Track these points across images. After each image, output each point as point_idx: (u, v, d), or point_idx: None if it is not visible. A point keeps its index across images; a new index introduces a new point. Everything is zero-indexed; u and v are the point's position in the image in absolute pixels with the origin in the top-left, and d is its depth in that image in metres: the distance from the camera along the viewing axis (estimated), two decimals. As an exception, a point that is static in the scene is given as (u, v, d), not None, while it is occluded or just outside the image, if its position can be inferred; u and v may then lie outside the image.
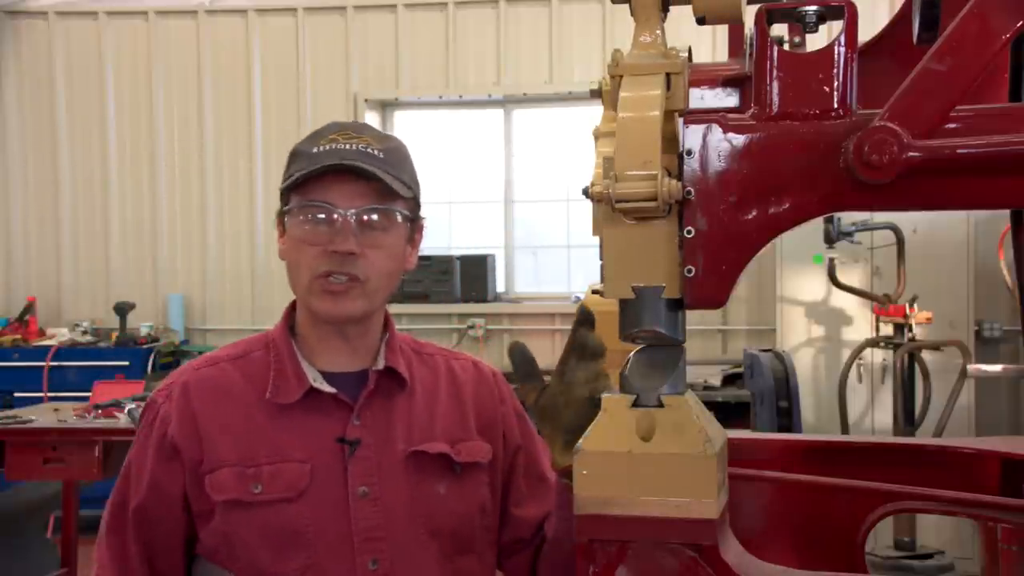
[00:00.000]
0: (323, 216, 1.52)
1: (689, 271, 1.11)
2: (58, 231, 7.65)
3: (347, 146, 1.54)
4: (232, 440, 1.53)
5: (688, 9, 1.18)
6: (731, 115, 1.14)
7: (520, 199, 7.50)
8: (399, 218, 1.56)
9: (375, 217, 1.53)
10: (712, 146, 1.11)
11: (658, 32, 1.17)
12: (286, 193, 1.57)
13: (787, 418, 4.97)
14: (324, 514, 1.51)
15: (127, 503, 1.56)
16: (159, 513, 1.54)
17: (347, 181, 1.52)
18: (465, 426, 1.65)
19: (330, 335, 1.59)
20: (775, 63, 1.11)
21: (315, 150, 1.55)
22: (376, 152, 1.54)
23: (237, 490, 1.50)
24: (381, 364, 1.60)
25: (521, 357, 1.37)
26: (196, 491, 1.52)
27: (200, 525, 1.54)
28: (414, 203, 1.60)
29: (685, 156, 1.11)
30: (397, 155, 1.58)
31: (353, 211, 1.51)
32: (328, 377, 1.58)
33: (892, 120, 1.05)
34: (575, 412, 1.32)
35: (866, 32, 1.29)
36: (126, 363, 6.75)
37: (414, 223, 1.61)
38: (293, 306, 1.66)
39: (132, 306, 7.08)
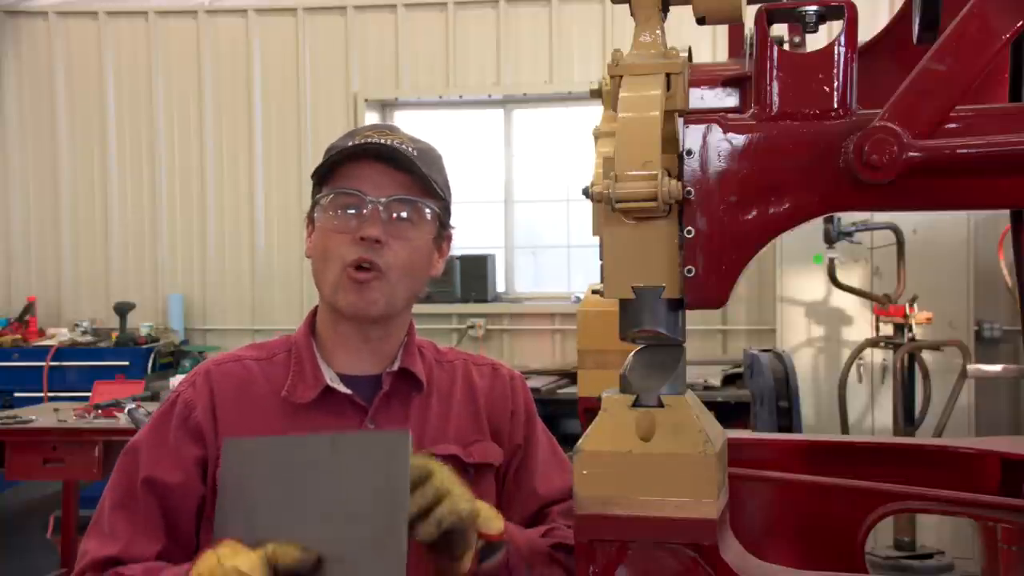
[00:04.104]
0: (353, 204, 1.52)
1: (689, 271, 1.11)
2: (58, 231, 7.65)
3: (382, 140, 1.54)
4: (248, 436, 1.50)
5: (688, 9, 1.18)
6: (731, 115, 1.14)
7: (520, 199, 7.50)
8: (428, 214, 1.56)
9: (404, 211, 1.53)
10: (712, 146, 1.11)
11: (658, 32, 1.17)
12: (318, 186, 1.57)
13: (787, 418, 4.97)
14: None
15: (133, 482, 1.50)
16: (173, 480, 1.49)
17: (379, 171, 1.52)
18: (479, 428, 1.63)
19: (351, 336, 1.59)
20: (775, 63, 1.12)
21: (349, 143, 1.55)
22: (410, 150, 1.55)
23: None
24: (396, 366, 1.60)
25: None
26: (213, 483, 1.49)
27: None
28: (444, 207, 1.61)
29: (685, 156, 1.11)
30: (430, 156, 1.60)
31: (383, 199, 1.52)
32: (346, 379, 1.58)
33: (892, 120, 1.05)
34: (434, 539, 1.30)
35: (866, 32, 1.29)
36: (126, 363, 6.75)
37: (443, 229, 1.61)
38: (315, 310, 1.65)
39: (132, 306, 7.08)
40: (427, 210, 1.56)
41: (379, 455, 1.28)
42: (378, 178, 1.52)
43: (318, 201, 1.56)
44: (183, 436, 1.52)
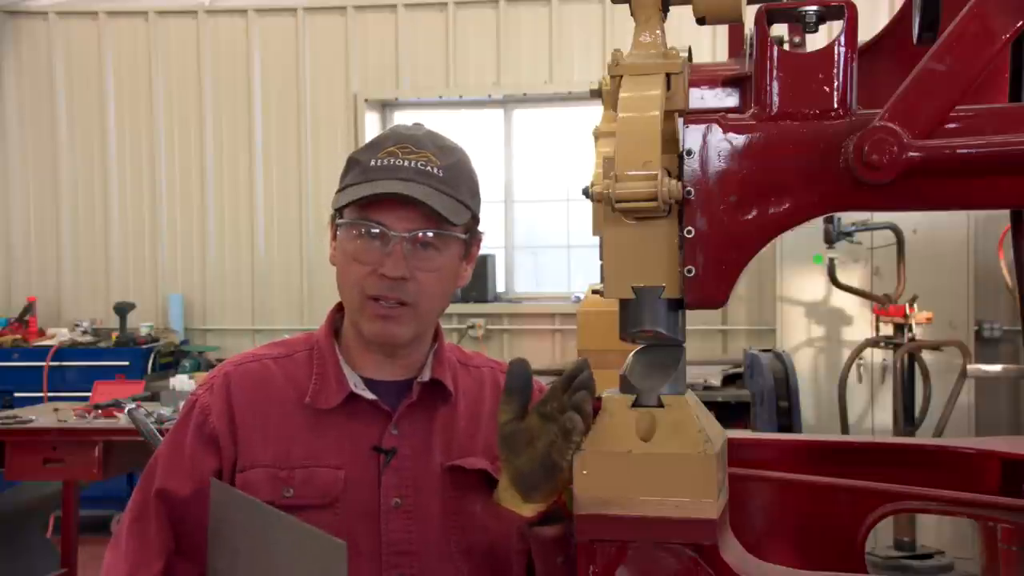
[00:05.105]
0: (376, 233, 1.46)
1: (689, 271, 1.11)
2: (58, 231, 7.65)
3: (405, 162, 1.48)
4: (267, 440, 1.50)
5: (688, 9, 1.18)
6: (731, 115, 1.14)
7: (520, 199, 7.50)
8: (453, 238, 1.51)
9: (429, 238, 1.48)
10: (712, 146, 1.11)
11: (658, 32, 1.17)
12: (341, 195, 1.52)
13: (787, 418, 4.98)
14: (354, 523, 1.47)
15: (148, 494, 1.50)
16: (185, 492, 1.48)
17: (403, 202, 1.46)
18: None
19: (376, 349, 1.54)
20: (775, 63, 1.11)
21: (372, 163, 1.49)
22: (435, 170, 1.49)
23: (268, 492, 1.45)
24: (427, 376, 1.55)
25: (519, 373, 1.31)
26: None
27: None
28: (472, 220, 1.55)
29: (685, 156, 1.11)
30: (457, 170, 1.53)
31: (406, 235, 1.46)
32: (370, 384, 1.54)
33: (892, 120, 1.05)
34: (529, 459, 1.28)
35: (866, 32, 1.29)
36: (126, 363, 6.75)
37: (471, 237, 1.56)
38: (338, 307, 1.60)
39: (132, 306, 7.09)
40: (452, 236, 1.51)
41: (317, 557, 1.24)
42: (402, 210, 1.46)
43: (340, 225, 1.51)
44: (198, 444, 1.50)
